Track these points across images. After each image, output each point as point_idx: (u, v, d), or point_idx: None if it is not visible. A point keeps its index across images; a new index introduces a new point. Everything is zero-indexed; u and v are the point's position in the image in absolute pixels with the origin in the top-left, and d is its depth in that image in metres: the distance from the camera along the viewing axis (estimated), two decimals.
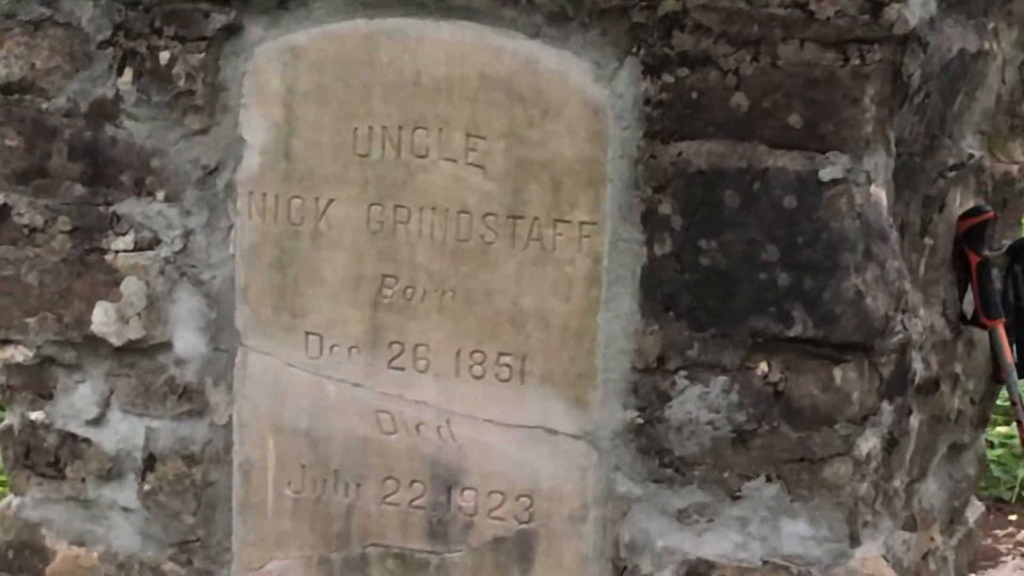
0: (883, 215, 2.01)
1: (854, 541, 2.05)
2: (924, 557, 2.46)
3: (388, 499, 2.25)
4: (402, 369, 2.22)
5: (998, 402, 3.03)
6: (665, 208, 2.04)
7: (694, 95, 2.00)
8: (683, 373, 2.06)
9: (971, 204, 2.47)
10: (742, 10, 1.96)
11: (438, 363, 2.20)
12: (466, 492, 2.21)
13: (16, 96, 2.36)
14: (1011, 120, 2.61)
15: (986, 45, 2.30)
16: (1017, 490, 4.60)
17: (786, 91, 1.96)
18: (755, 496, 2.05)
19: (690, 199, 2.03)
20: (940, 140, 2.28)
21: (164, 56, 2.26)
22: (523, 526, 2.19)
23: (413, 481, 2.23)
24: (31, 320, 2.38)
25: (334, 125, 2.22)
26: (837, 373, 1.99)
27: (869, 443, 2.04)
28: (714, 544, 2.10)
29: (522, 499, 2.18)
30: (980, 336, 2.55)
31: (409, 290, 2.20)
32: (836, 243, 1.96)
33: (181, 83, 2.26)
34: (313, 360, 2.26)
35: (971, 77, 2.31)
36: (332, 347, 2.25)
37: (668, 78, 2.01)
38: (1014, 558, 4.26)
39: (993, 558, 4.23)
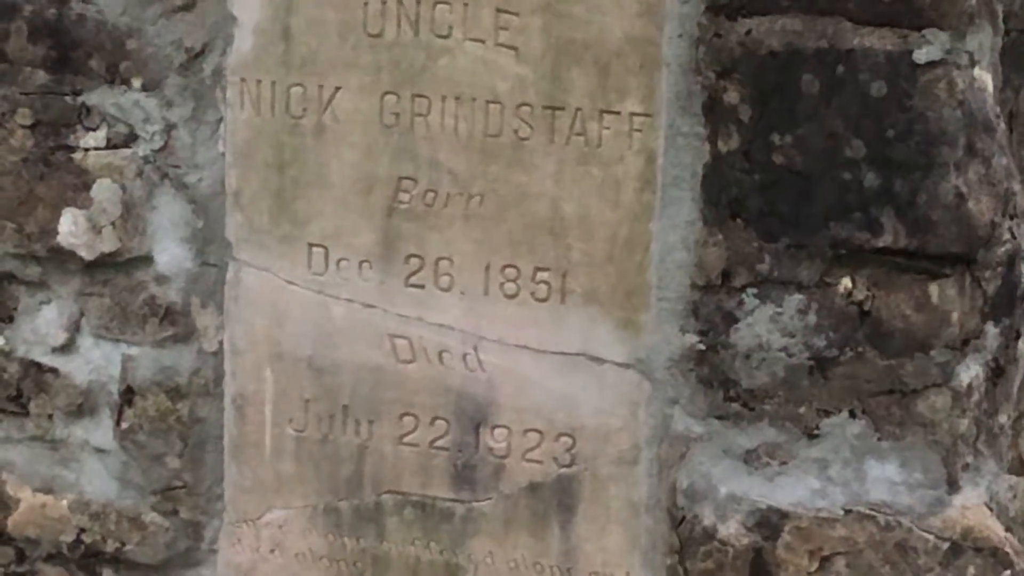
0: (988, 103, 2.00)
1: (952, 486, 2.06)
2: None
3: (406, 439, 2.28)
4: (421, 287, 2.24)
5: None
6: (731, 96, 2.04)
7: None
8: (752, 291, 2.08)
9: None
10: None
11: (464, 280, 2.23)
12: (497, 430, 2.25)
13: None
14: None
15: None
16: None
17: None
18: (836, 434, 2.07)
19: (761, 86, 2.04)
20: None
21: None
22: (564, 470, 2.23)
23: (435, 418, 2.27)
24: None
25: None
26: (934, 290, 2.01)
27: (971, 372, 2.05)
28: (788, 490, 2.13)
29: (563, 438, 2.21)
30: None
31: (430, 194, 2.22)
32: (933, 136, 1.96)
33: None
34: (317, 276, 2.29)
35: None
36: (339, 261, 2.28)
37: None
38: None
39: None
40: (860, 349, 2.06)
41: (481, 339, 2.25)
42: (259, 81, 2.29)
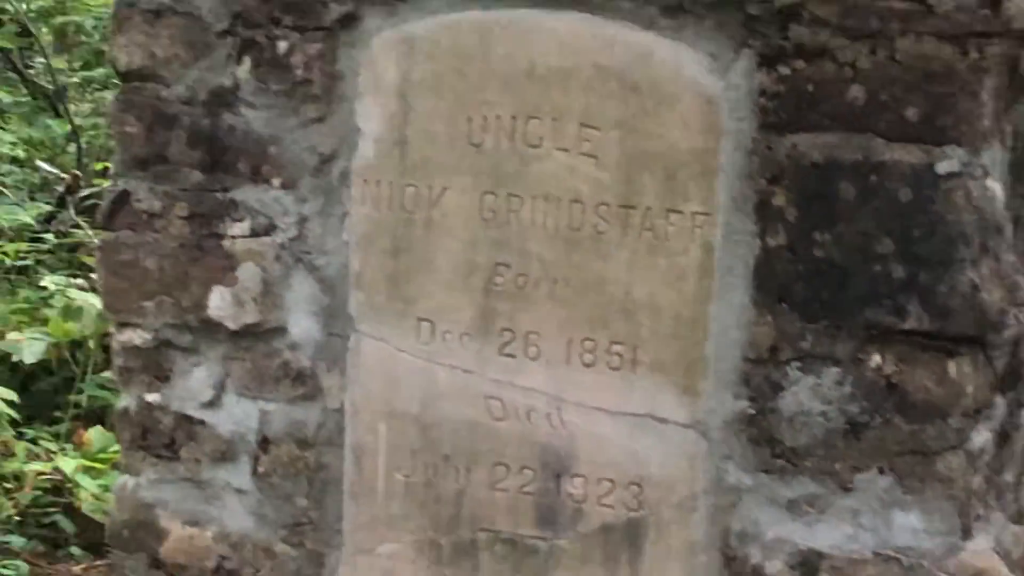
0: (999, 209, 2.03)
1: (966, 534, 2.07)
2: None
3: (498, 485, 2.31)
4: (513, 356, 2.28)
5: None
6: (779, 200, 2.09)
7: (810, 87, 2.05)
8: (796, 364, 2.11)
9: None
10: (860, 3, 2.00)
11: (549, 351, 2.26)
12: (576, 479, 2.26)
13: (136, 83, 2.44)
14: None
15: None
16: None
17: (903, 84, 2.00)
18: (867, 488, 2.08)
19: (804, 191, 2.07)
20: None
21: (282, 46, 2.34)
22: (632, 514, 2.24)
23: (523, 467, 2.29)
24: (149, 304, 2.46)
25: (449, 115, 2.28)
26: (952, 366, 2.02)
27: (982, 436, 2.07)
28: (825, 535, 2.13)
29: (632, 487, 2.23)
30: None
31: (521, 278, 2.25)
32: (952, 237, 1.99)
33: (299, 72, 2.33)
34: (425, 346, 2.32)
35: None
36: (444, 333, 2.31)
37: (784, 70, 2.06)
38: None
39: None
40: (888, 415, 2.07)
41: (563, 401, 2.26)
42: (379, 182, 2.33)
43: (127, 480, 2.59)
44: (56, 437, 4.82)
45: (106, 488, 4.29)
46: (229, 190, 2.42)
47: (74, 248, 6.44)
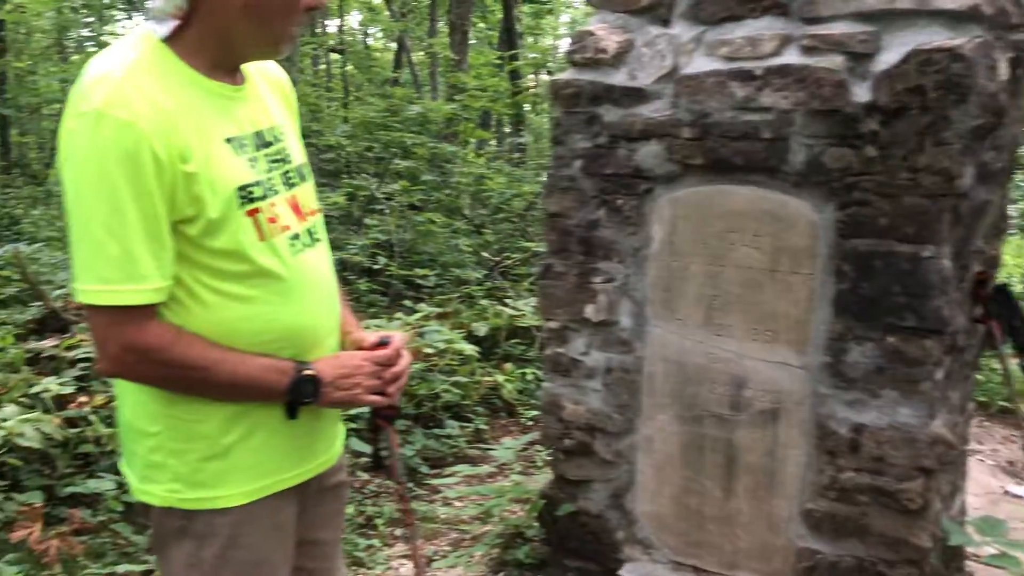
0: (948, 273, 2.10)
1: (931, 418, 2.15)
2: None
3: (712, 392, 2.48)
4: (720, 336, 2.45)
5: None
6: (845, 268, 2.22)
7: (860, 219, 2.17)
8: (852, 341, 2.23)
9: None
10: (885, 181, 2.13)
11: (737, 333, 2.42)
12: (747, 389, 2.42)
13: (554, 218, 2.61)
14: None
15: None
16: None
17: (905, 217, 2.13)
18: (885, 396, 2.20)
19: (857, 263, 2.19)
20: None
21: (619, 202, 2.52)
22: (774, 405, 2.38)
23: (724, 384, 2.45)
24: (559, 311, 2.63)
25: (692, 231, 2.42)
26: (926, 343, 2.15)
27: (939, 373, 2.13)
28: (866, 416, 2.24)
29: (773, 392, 2.37)
30: None
31: (724, 302, 2.42)
32: (928, 284, 2.12)
33: (626, 212, 2.51)
34: (679, 330, 2.48)
35: None
36: (688, 325, 2.46)
37: (848, 211, 2.19)
38: None
39: None
40: (896, 365, 2.19)
41: (744, 356, 2.42)
42: (659, 258, 2.54)
43: (547, 384, 2.71)
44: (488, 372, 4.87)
45: (519, 391, 4.73)
46: (594, 262, 2.57)
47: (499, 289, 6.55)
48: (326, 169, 7.94)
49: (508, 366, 5.04)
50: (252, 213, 1.28)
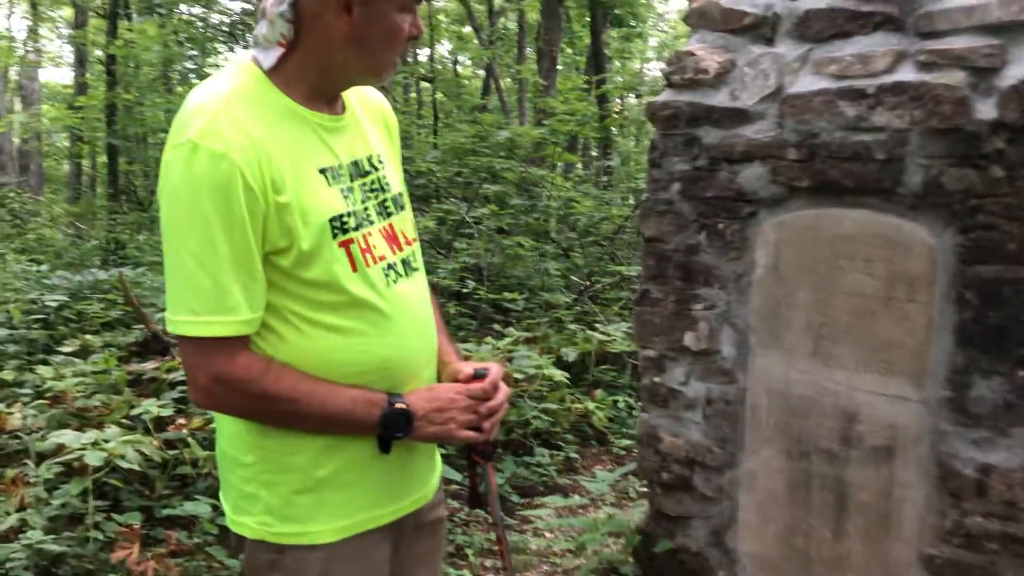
0: None
1: None
2: None
3: (820, 426, 2.37)
4: (830, 367, 2.35)
5: None
6: (968, 296, 2.11)
7: (986, 243, 2.07)
8: (977, 375, 2.11)
9: None
10: (1013, 203, 2.02)
11: (848, 364, 2.32)
12: (859, 424, 2.31)
13: (651, 243, 2.56)
14: None
15: None
16: None
17: None
18: (1017, 435, 2.08)
19: (983, 292, 2.09)
20: None
21: (720, 226, 2.45)
22: (889, 441, 2.28)
23: (833, 417, 2.34)
24: (656, 338, 2.61)
25: (798, 256, 2.34)
26: None
27: None
28: (994, 457, 2.13)
29: (889, 427, 2.27)
30: None
31: (833, 331, 2.32)
32: None
33: (728, 237, 2.44)
34: (785, 360, 2.39)
35: None
36: (795, 355, 2.37)
37: (971, 235, 2.08)
38: None
39: None
40: None
41: (855, 389, 2.32)
42: (763, 285, 2.45)
43: (643, 415, 2.67)
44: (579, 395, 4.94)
45: (610, 418, 4.65)
46: (694, 289, 2.51)
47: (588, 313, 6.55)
48: (417, 195, 8.07)
49: (599, 393, 5.00)
50: (345, 244, 1.28)
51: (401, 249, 1.40)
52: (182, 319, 1.22)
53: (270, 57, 1.27)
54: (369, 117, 1.44)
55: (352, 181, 1.34)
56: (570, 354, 4.79)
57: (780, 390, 2.41)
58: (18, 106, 22.41)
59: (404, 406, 1.31)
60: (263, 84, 1.27)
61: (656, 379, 2.61)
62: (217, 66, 16.15)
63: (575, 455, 4.49)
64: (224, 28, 13.98)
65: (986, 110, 2.03)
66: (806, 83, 2.36)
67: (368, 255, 1.32)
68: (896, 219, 2.20)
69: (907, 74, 2.18)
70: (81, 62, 19.36)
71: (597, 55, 15.77)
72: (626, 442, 4.52)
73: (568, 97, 9.49)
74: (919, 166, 2.13)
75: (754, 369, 2.46)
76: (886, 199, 2.18)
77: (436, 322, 1.48)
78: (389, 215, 1.39)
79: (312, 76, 1.28)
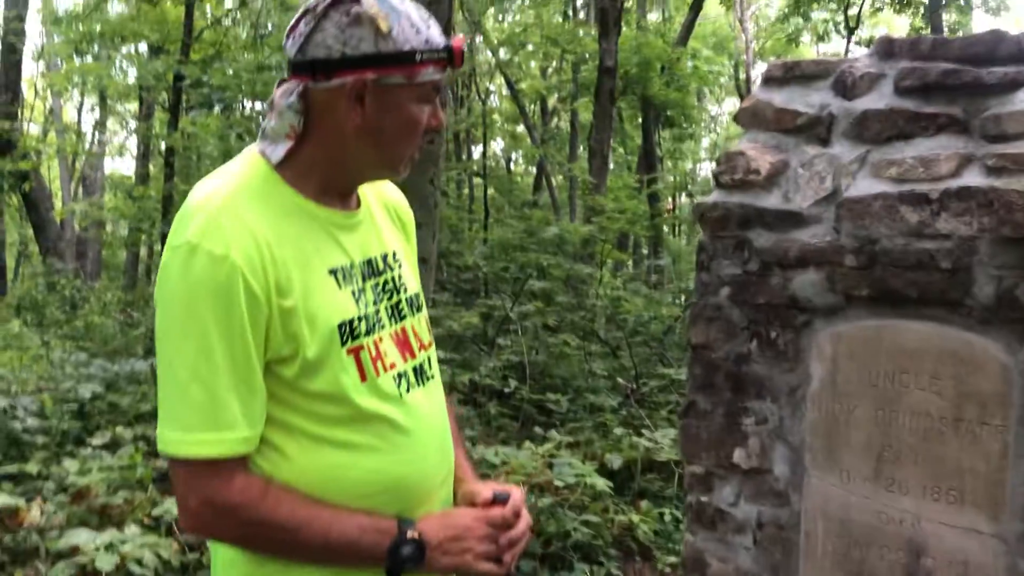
0: None
1: None
2: None
3: (883, 558, 2.24)
4: (892, 492, 2.22)
5: None
6: None
7: None
8: None
9: None
10: None
11: (913, 490, 2.20)
12: (927, 559, 2.18)
13: (699, 350, 2.47)
14: None
15: None
16: None
17: None
18: None
19: None
20: None
21: (773, 334, 2.34)
22: None
23: (898, 549, 2.21)
24: (704, 453, 2.48)
25: (857, 370, 2.23)
26: None
27: None
28: None
29: (960, 565, 2.13)
30: None
31: (897, 453, 2.21)
32: None
33: (780, 346, 2.33)
34: (844, 483, 2.29)
35: None
36: (854, 477, 2.27)
37: None
38: None
39: None
40: None
41: (921, 517, 2.22)
42: (820, 401, 2.33)
43: (689, 536, 2.53)
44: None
45: (655, 532, 4.45)
46: (744, 401, 2.40)
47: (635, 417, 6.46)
48: (464, 288, 8.05)
49: (644, 504, 4.77)
50: (355, 351, 1.22)
51: (414, 356, 1.33)
52: (173, 437, 1.14)
53: (279, 151, 1.22)
54: (384, 212, 1.41)
55: (364, 282, 1.28)
56: (615, 461, 4.50)
57: (838, 515, 2.28)
58: (81, 194, 23.31)
59: (416, 535, 1.21)
60: (270, 179, 1.22)
61: (703, 498, 2.47)
62: None
63: (617, 572, 4.27)
64: None
65: None
66: (864, 186, 2.30)
67: (379, 362, 1.25)
68: (965, 333, 2.08)
69: (974, 179, 2.14)
70: (145, 154, 20.19)
71: (648, 155, 15.98)
72: (672, 559, 4.28)
73: (619, 195, 9.52)
74: (990, 277, 2.02)
75: (809, 491, 2.33)
76: (953, 311, 2.07)
77: (452, 434, 1.38)
78: (403, 318, 1.33)
79: (323, 170, 1.23)
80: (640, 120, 17.38)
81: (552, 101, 23.96)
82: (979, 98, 2.07)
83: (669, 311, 8.09)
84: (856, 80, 2.36)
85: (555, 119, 25.93)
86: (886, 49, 2.20)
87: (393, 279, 1.32)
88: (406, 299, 1.33)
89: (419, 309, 1.36)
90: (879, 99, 2.33)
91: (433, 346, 1.38)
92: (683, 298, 8.81)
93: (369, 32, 1.17)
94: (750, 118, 2.56)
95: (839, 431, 2.28)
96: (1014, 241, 1.98)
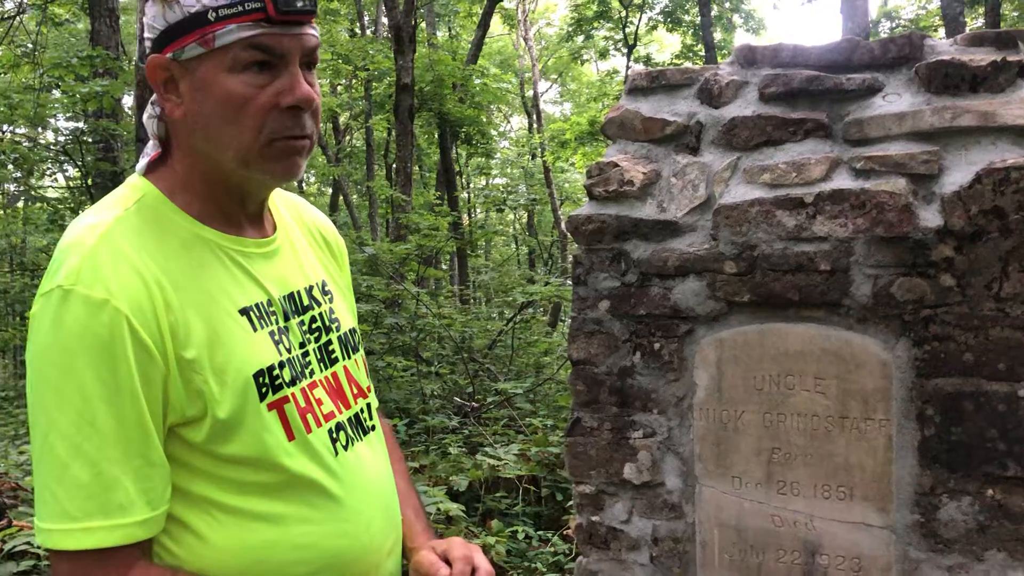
0: None
1: None
2: None
3: (780, 560, 2.25)
4: (785, 494, 2.24)
5: None
6: (929, 411, 2.04)
7: (942, 355, 2.00)
8: (945, 496, 2.05)
9: None
10: (967, 312, 1.97)
11: (805, 491, 2.22)
12: (822, 556, 2.20)
13: (581, 366, 2.39)
14: None
15: None
16: None
17: (994, 352, 1.97)
18: (991, 559, 2.02)
19: (944, 407, 2.03)
20: None
21: (657, 345, 2.32)
22: (856, 573, 2.18)
23: (793, 550, 2.23)
24: (592, 472, 2.42)
25: (742, 376, 2.25)
26: None
27: None
28: None
29: (853, 559, 2.18)
30: None
31: (786, 455, 2.23)
32: None
33: (665, 357, 2.31)
34: (736, 489, 2.28)
35: None
36: (746, 483, 2.27)
37: (926, 347, 2.02)
38: None
39: None
40: (1000, 520, 2.01)
41: (814, 516, 2.21)
42: (707, 409, 2.32)
43: (582, 559, 2.48)
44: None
45: (508, 551, 4.31)
46: (631, 415, 2.37)
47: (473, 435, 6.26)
48: None
49: (494, 523, 4.60)
50: (278, 405, 1.01)
51: (349, 406, 1.13)
52: (54, 527, 0.92)
53: (143, 161, 1.03)
54: (308, 238, 1.17)
55: (287, 320, 1.08)
56: (461, 483, 4.29)
57: (732, 523, 2.27)
58: None
59: None
60: (160, 206, 1.01)
61: (593, 518, 2.41)
62: (44, 189, 15.11)
63: None
64: (54, 147, 13.11)
65: (930, 217, 2.00)
66: (739, 193, 2.28)
67: (309, 416, 1.05)
68: (845, 332, 2.12)
69: (845, 181, 2.18)
70: None
71: (448, 171, 15.99)
72: None
73: (424, 213, 9.41)
74: (866, 276, 2.07)
75: (702, 501, 2.31)
76: (833, 312, 2.10)
77: (401, 490, 1.19)
78: (334, 361, 1.14)
79: (196, 185, 1.03)
80: (437, 137, 17.37)
81: (344, 118, 23.45)
82: (840, 104, 2.11)
83: (494, 325, 8.02)
84: (722, 88, 2.34)
85: (347, 137, 25.42)
86: (748, 57, 2.19)
87: (322, 315, 1.11)
88: (338, 338, 1.13)
89: (355, 350, 1.16)
90: (745, 106, 2.33)
91: (372, 391, 1.15)
92: (507, 311, 8.80)
93: (159, 7, 0.99)
94: (618, 128, 2.49)
95: (728, 438, 2.27)
96: (888, 240, 2.02)
